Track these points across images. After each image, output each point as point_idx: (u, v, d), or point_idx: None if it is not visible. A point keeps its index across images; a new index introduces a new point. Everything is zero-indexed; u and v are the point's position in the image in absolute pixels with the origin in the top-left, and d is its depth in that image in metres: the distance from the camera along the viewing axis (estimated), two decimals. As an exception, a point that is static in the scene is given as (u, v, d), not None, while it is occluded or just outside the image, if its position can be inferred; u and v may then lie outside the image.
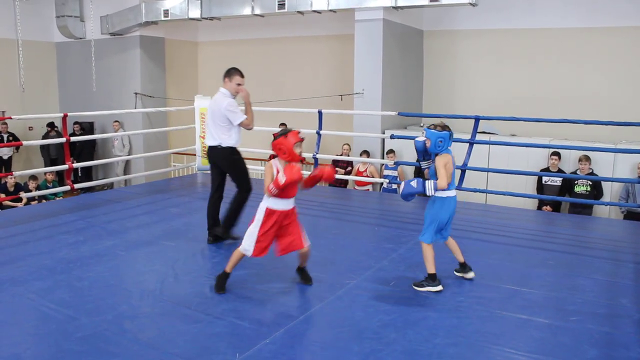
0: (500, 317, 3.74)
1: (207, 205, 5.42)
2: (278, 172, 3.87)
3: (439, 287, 4.13)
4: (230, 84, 5.14)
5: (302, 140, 3.95)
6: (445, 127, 4.22)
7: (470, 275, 4.40)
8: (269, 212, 3.94)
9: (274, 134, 3.98)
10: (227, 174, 5.35)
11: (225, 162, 5.28)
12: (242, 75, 5.19)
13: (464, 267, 4.43)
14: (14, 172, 7.60)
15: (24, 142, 7.13)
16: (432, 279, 4.15)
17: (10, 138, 12.16)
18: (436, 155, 4.19)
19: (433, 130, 4.17)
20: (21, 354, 3.17)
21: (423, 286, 4.15)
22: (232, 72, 5.17)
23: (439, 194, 4.21)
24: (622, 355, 3.23)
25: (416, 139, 4.33)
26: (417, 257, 4.91)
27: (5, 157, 12.57)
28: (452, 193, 4.25)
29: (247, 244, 3.97)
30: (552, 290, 4.22)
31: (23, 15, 12.53)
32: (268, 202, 3.96)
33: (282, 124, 10.67)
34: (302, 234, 4.07)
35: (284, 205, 3.96)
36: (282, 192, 3.88)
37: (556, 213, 8.09)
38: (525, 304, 3.94)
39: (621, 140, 8.86)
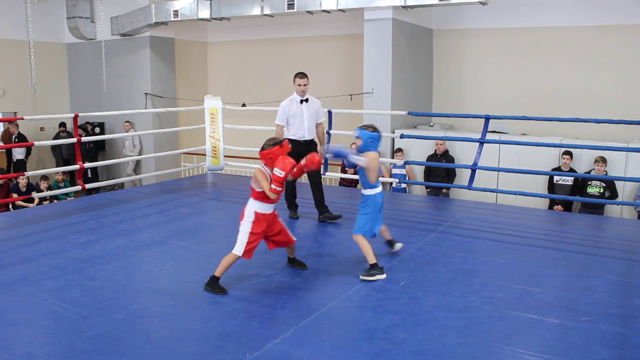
0: (511, 317, 3.72)
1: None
2: (272, 170, 4.03)
3: (385, 275, 4.38)
4: (295, 86, 6.03)
5: (289, 150, 4.21)
6: (375, 129, 4.59)
7: (398, 246, 4.95)
8: (259, 217, 4.11)
9: (265, 145, 4.13)
10: None
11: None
12: (301, 77, 6.02)
13: (390, 243, 4.95)
14: (25, 173, 7.64)
15: (36, 143, 7.16)
16: (376, 268, 4.38)
17: (17, 139, 12.23)
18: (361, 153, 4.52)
19: (365, 131, 4.53)
20: (34, 353, 3.20)
21: (373, 275, 4.35)
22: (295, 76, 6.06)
23: (369, 192, 4.57)
24: (635, 355, 3.21)
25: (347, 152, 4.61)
26: (427, 257, 4.91)
27: (17, 158, 12.67)
28: (379, 189, 4.61)
29: (239, 246, 4.10)
30: (564, 290, 4.19)
31: (34, 16, 12.62)
32: (256, 207, 4.12)
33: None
34: (287, 230, 4.37)
35: (269, 209, 4.17)
36: (262, 195, 4.08)
37: (568, 213, 8.04)
38: (536, 304, 3.92)
39: (633, 139, 8.79)
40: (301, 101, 6.06)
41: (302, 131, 6.05)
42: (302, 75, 6.00)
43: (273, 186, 3.99)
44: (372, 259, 4.40)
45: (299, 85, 5.99)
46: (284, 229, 4.33)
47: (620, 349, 3.28)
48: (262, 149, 4.12)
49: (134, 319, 3.66)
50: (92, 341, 3.32)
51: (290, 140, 5.88)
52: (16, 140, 12.20)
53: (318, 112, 6.17)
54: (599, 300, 3.97)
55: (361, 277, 4.36)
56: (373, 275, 4.35)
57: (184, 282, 4.35)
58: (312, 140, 6.16)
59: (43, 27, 13.34)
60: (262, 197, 4.09)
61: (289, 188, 6.26)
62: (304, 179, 6.43)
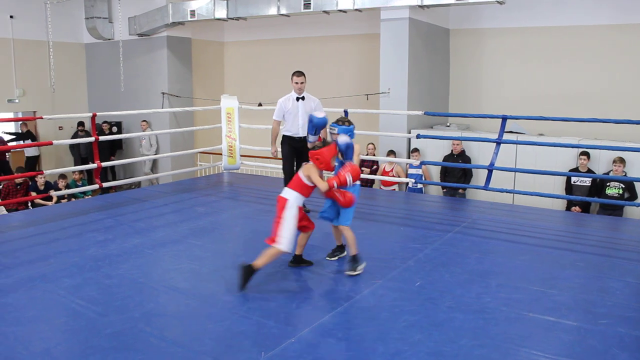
0: (528, 318, 3.69)
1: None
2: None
3: (364, 263, 4.51)
4: (292, 84, 6.30)
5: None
6: (350, 122, 4.65)
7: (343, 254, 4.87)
8: (300, 210, 4.27)
9: (315, 144, 4.40)
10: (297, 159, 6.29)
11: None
12: (298, 75, 6.28)
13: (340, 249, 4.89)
14: (44, 171, 7.73)
15: (54, 142, 7.26)
16: (357, 259, 4.46)
17: (15, 137, 12.33)
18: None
19: (344, 126, 4.55)
20: (52, 349, 3.24)
21: (356, 269, 4.44)
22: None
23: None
24: (654, 359, 3.17)
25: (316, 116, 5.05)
26: (443, 257, 4.89)
27: (27, 155, 12.84)
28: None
29: (287, 241, 4.15)
30: (581, 292, 4.15)
31: (54, 17, 12.78)
32: (299, 201, 4.25)
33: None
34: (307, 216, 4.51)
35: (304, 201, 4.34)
36: (309, 190, 4.27)
37: (585, 214, 7.96)
38: (553, 306, 3.88)
39: (653, 139, 8.67)
40: (297, 99, 6.32)
41: (296, 127, 6.27)
42: (299, 73, 6.28)
43: (336, 184, 4.21)
44: (355, 250, 4.49)
45: (296, 83, 6.27)
46: (305, 215, 4.45)
47: (638, 352, 3.23)
48: (313, 148, 4.31)
49: (150, 317, 3.68)
50: (109, 339, 3.35)
51: (285, 136, 6.37)
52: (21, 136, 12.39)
53: (315, 110, 6.17)
54: (617, 303, 3.92)
55: (348, 273, 4.44)
56: (356, 268, 4.44)
57: (200, 280, 4.38)
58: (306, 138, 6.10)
59: (62, 28, 13.50)
60: (305, 190, 4.26)
61: (286, 181, 6.21)
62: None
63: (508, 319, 3.68)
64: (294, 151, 6.33)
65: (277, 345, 3.26)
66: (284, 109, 6.34)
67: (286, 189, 4.32)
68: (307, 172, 4.24)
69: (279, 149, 6.52)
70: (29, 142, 12.38)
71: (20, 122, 12.82)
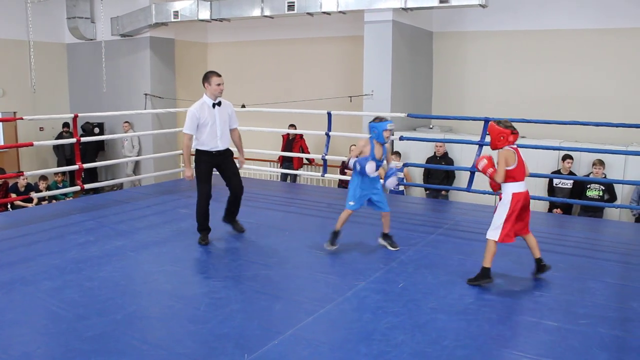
0: (510, 319, 3.72)
1: (227, 207, 5.76)
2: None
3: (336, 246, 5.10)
4: (210, 87, 5.29)
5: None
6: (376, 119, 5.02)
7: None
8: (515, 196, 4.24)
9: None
10: (221, 174, 5.59)
11: (233, 161, 5.58)
12: (219, 75, 5.36)
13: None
14: (25, 173, 7.64)
15: (35, 143, 7.16)
16: (336, 236, 5.07)
17: None
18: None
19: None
20: (32, 353, 3.19)
21: (333, 245, 5.07)
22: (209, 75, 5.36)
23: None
24: (633, 359, 3.21)
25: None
26: (426, 259, 4.91)
27: None
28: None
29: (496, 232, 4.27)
30: (562, 293, 4.20)
31: (34, 16, 12.61)
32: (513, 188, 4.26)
33: (292, 125, 10.69)
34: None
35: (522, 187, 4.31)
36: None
37: (567, 215, 8.04)
38: (534, 306, 3.92)
39: (632, 142, 8.79)
40: (213, 105, 5.31)
41: (215, 141, 5.29)
42: (218, 74, 5.32)
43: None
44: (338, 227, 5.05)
45: (218, 85, 5.25)
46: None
47: (618, 352, 3.28)
48: (498, 123, 4.25)
49: (132, 319, 3.65)
50: (90, 342, 3.31)
51: (201, 152, 5.31)
52: None
53: (231, 117, 5.47)
54: (598, 304, 3.97)
55: (325, 245, 5.03)
56: (333, 245, 5.03)
57: (183, 282, 4.35)
58: (226, 150, 5.46)
59: (43, 27, 13.33)
60: (510, 177, 4.23)
61: (204, 208, 5.44)
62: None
63: (490, 320, 3.71)
64: (212, 168, 5.43)
65: (259, 348, 3.26)
66: (199, 119, 5.24)
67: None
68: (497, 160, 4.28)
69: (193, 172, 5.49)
70: None
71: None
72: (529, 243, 4.49)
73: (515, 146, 4.23)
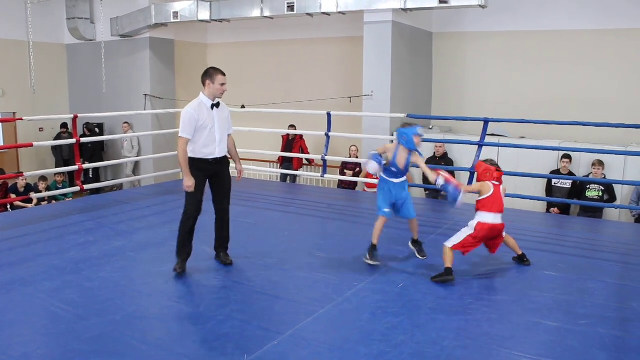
0: (509, 320, 3.72)
1: (216, 227, 4.90)
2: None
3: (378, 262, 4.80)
4: (213, 86, 4.53)
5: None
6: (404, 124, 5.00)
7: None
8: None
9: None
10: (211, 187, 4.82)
11: (229, 172, 4.86)
12: (224, 74, 4.61)
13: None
14: (24, 173, 7.64)
15: (34, 143, 7.16)
16: (373, 250, 4.81)
17: None
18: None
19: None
20: (31, 354, 3.19)
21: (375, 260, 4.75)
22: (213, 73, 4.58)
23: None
24: (633, 359, 3.21)
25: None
26: (426, 260, 4.91)
27: None
28: (391, 180, 5.03)
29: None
30: (562, 293, 4.20)
31: (34, 17, 12.62)
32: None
33: (291, 126, 10.69)
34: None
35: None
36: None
37: (566, 216, 8.04)
38: (534, 307, 3.92)
39: (632, 142, 8.79)
40: (212, 106, 4.57)
41: (213, 147, 4.58)
42: (223, 72, 4.58)
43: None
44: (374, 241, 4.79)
45: (222, 84, 4.53)
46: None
47: (617, 352, 3.28)
48: (484, 161, 4.76)
49: (132, 320, 3.65)
50: (90, 342, 3.31)
51: (196, 160, 4.56)
52: None
53: (229, 120, 4.79)
54: (597, 304, 3.97)
55: (365, 259, 4.74)
56: (374, 258, 4.73)
57: (183, 283, 4.35)
58: (223, 158, 4.75)
59: (43, 28, 13.33)
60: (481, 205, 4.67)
61: (189, 226, 4.70)
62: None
63: (490, 320, 3.71)
64: (206, 179, 4.70)
65: (259, 348, 3.25)
66: (197, 121, 4.47)
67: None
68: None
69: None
70: None
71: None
72: (508, 244, 4.79)
73: (497, 183, 4.67)
